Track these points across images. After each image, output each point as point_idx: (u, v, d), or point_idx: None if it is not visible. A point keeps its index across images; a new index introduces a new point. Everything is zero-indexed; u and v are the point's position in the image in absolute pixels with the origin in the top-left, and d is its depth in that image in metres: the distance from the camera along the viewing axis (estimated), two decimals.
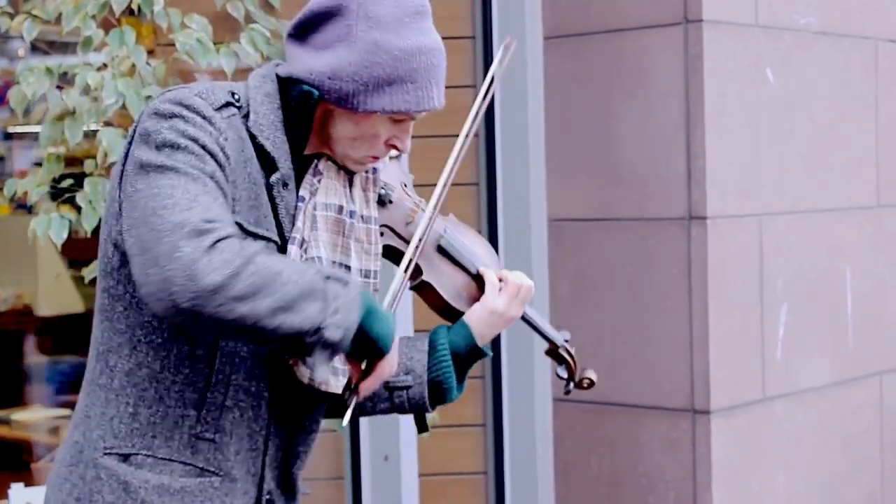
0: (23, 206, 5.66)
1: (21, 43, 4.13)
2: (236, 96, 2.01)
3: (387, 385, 2.14)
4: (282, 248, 2.01)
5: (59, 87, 3.40)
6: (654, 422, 3.94)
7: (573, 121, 4.06)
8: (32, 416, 5.44)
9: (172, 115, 1.93)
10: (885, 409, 4.49)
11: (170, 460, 1.99)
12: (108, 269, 2.01)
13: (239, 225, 1.94)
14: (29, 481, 3.71)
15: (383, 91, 1.99)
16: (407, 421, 3.82)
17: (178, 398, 1.98)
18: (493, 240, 4.04)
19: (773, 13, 4.04)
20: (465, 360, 2.19)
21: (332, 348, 1.88)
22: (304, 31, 2.04)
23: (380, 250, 2.11)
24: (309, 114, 2.04)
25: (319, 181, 2.06)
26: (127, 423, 1.99)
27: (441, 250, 2.20)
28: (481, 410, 4.11)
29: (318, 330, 1.85)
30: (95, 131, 3.41)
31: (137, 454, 1.99)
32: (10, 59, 5.87)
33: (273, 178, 2.01)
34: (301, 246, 2.02)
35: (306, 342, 1.86)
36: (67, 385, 5.96)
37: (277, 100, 2.04)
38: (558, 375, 2.36)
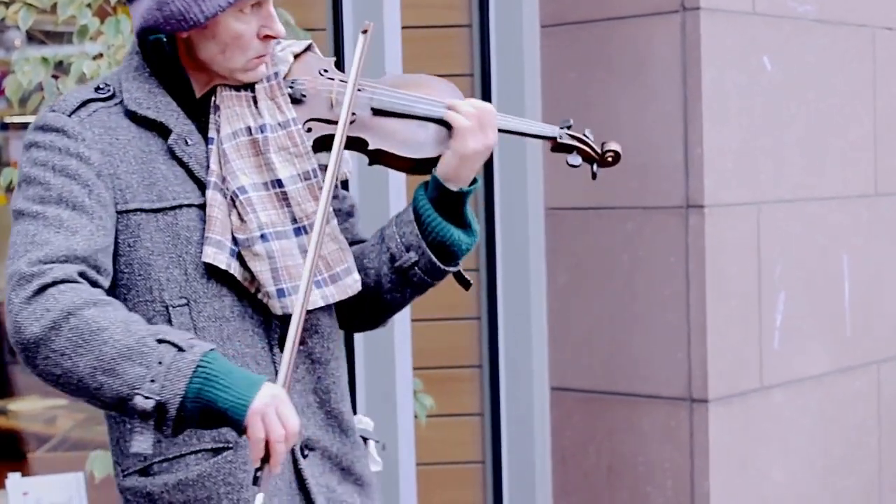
0: None
1: (17, 32, 4.11)
2: (102, 88, 2.01)
3: (399, 269, 2.08)
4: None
5: (55, 77, 3.39)
6: (652, 411, 3.94)
7: (570, 109, 4.05)
8: (29, 407, 5.43)
9: (30, 145, 1.95)
10: (883, 397, 4.49)
11: (181, 455, 1.98)
12: None
13: (140, 209, 1.94)
14: (25, 471, 3.71)
15: None
16: (405, 409, 3.82)
17: None
18: (490, 229, 4.04)
19: (771, 1, 4.03)
20: (455, 206, 2.09)
21: (153, 419, 1.78)
22: None
23: (309, 149, 2.03)
24: (174, 59, 2.01)
25: (219, 116, 2.02)
26: (129, 438, 1.95)
27: (378, 112, 2.09)
28: (479, 400, 4.11)
29: (136, 398, 1.77)
30: None
31: (153, 464, 1.99)
32: (6, 49, 5.85)
33: (170, 140, 1.99)
34: (222, 186, 1.98)
35: (128, 409, 1.79)
36: None
37: (146, 68, 2.02)
38: (570, 164, 2.19)
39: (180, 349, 1.79)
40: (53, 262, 1.84)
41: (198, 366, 1.79)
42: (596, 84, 4.01)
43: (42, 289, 1.81)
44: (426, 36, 3.98)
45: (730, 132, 3.90)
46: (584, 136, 2.19)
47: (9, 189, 3.61)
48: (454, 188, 2.07)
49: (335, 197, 2.15)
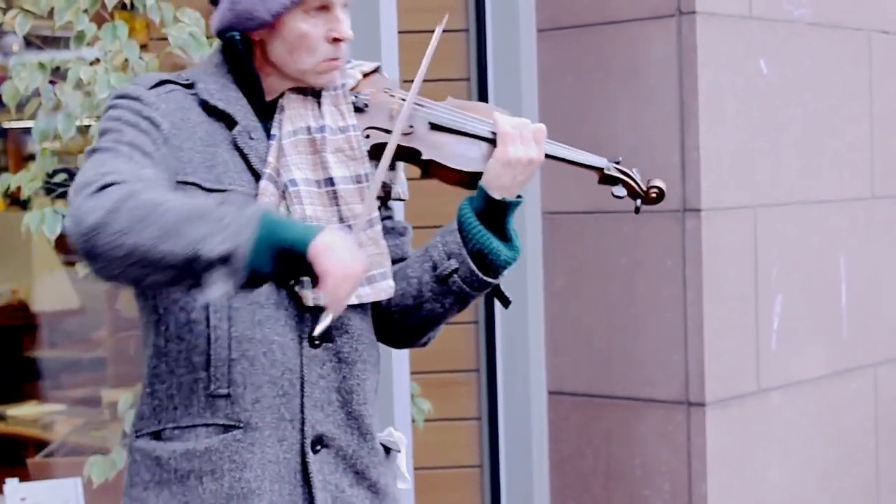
0: (17, 202, 5.65)
1: (15, 37, 4.12)
2: (184, 77, 2.13)
3: (439, 277, 2.15)
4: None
5: (52, 82, 3.40)
6: (650, 414, 3.94)
7: (567, 114, 4.06)
8: (27, 412, 5.44)
9: (109, 107, 2.08)
10: (880, 399, 4.50)
11: (193, 426, 2.05)
12: None
13: (196, 184, 2.03)
14: (24, 476, 3.71)
15: None
16: (402, 414, 3.82)
17: (187, 364, 2.05)
18: None
19: (767, 5, 4.04)
20: (497, 217, 2.14)
21: (227, 264, 1.83)
22: None
23: (364, 153, 2.12)
24: (248, 61, 2.12)
25: (283, 115, 2.12)
26: (147, 403, 2.09)
27: (435, 126, 2.18)
28: (476, 403, 4.11)
29: (205, 248, 1.83)
30: (88, 126, 3.41)
31: (164, 429, 2.07)
32: (4, 54, 5.85)
33: (234, 131, 2.09)
34: (276, 178, 2.08)
35: (199, 263, 1.84)
36: (62, 380, 5.95)
37: (225, 65, 2.14)
38: (615, 195, 2.29)
39: (239, 206, 1.87)
40: (116, 172, 1.92)
41: (262, 215, 1.86)
42: (593, 88, 4.02)
43: (104, 187, 1.88)
44: (423, 40, 3.97)
45: (726, 135, 3.90)
46: (632, 172, 2.30)
47: (6, 194, 3.61)
48: (497, 196, 2.12)
49: (389, 217, 2.26)
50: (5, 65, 4.36)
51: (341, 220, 2.09)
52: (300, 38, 2.08)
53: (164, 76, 2.13)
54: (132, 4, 3.42)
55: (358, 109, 2.17)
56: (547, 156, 2.19)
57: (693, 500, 3.88)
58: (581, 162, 2.28)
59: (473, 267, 2.13)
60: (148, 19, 3.51)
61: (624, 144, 3.96)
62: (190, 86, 2.11)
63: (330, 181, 2.09)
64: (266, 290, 2.05)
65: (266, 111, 2.13)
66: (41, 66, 3.39)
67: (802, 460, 4.18)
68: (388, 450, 2.24)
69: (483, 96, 4.05)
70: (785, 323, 4.10)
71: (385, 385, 3.76)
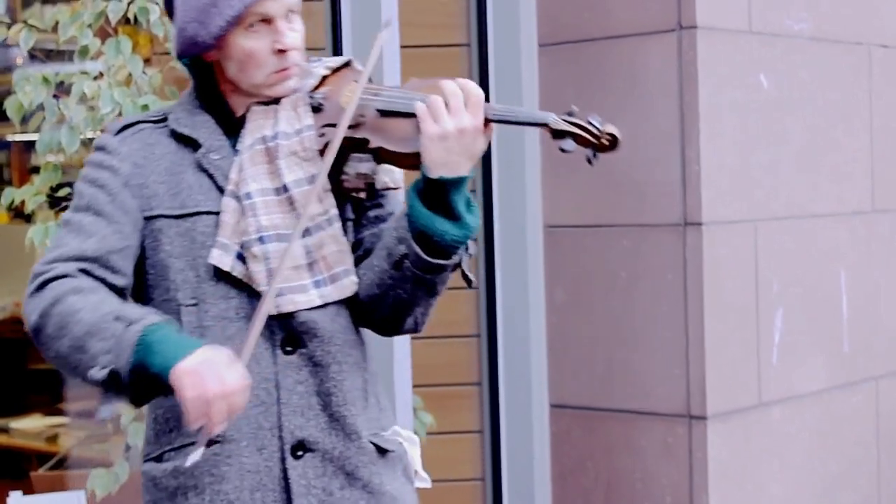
0: (21, 215, 5.66)
1: (18, 51, 4.14)
2: (161, 112, 2.21)
3: (393, 264, 2.10)
4: None
5: (56, 96, 3.42)
6: (651, 427, 3.95)
7: None
8: (31, 425, 5.44)
9: (84, 164, 2.20)
10: (882, 413, 4.50)
11: (183, 446, 2.10)
12: None
13: (163, 216, 2.10)
14: (27, 489, 3.72)
15: (211, 13, 2.09)
16: (405, 427, 3.83)
17: None
18: (489, 246, 4.05)
19: (767, 19, 4.05)
20: (439, 196, 2.06)
21: (110, 388, 1.96)
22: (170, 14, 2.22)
23: (316, 152, 2.11)
24: (208, 81, 2.18)
25: (246, 129, 2.16)
26: (152, 427, 2.17)
27: (384, 113, 2.13)
28: (478, 417, 4.12)
29: (91, 371, 1.97)
30: (92, 139, 3.43)
31: (164, 451, 2.14)
32: (9, 69, 5.86)
33: (198, 153, 2.14)
34: (238, 193, 2.11)
35: (91, 383, 1.98)
36: (65, 393, 5.95)
37: (194, 91, 2.21)
38: (562, 150, 2.13)
39: (128, 323, 1.96)
40: (61, 261, 2.05)
41: (141, 336, 1.95)
42: (593, 102, 4.03)
43: (44, 284, 2.04)
44: (425, 55, 4.00)
45: (727, 149, 3.91)
46: (585, 121, 2.16)
47: (10, 208, 3.62)
48: (433, 175, 2.05)
49: (378, 205, 2.22)
50: (9, 79, 4.38)
51: None
52: (246, 55, 2.11)
53: (140, 117, 2.21)
54: (136, 19, 3.44)
55: (315, 109, 2.16)
56: (488, 120, 2.10)
57: None
58: (526, 121, 2.17)
59: (418, 250, 2.06)
60: (151, 34, 3.52)
61: (624, 159, 3.96)
62: (163, 120, 2.18)
63: (285, 188, 2.11)
64: (236, 304, 2.10)
65: (238, 128, 2.17)
66: (45, 80, 3.41)
67: (803, 474, 4.19)
68: (383, 450, 2.24)
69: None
70: (786, 336, 4.11)
71: (387, 398, 3.78)
